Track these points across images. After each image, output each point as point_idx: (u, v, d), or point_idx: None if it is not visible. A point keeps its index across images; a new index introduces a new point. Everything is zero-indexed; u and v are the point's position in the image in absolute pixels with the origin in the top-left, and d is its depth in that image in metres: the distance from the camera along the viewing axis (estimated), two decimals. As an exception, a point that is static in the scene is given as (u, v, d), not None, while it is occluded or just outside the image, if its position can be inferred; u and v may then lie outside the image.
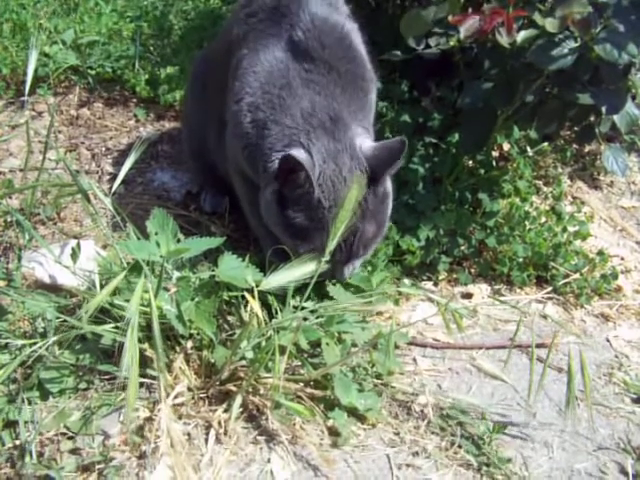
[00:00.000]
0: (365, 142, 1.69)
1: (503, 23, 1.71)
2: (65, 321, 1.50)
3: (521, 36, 1.73)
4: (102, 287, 1.53)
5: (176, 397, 1.51)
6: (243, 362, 1.56)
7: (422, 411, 1.63)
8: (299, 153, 1.62)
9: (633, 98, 1.91)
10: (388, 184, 1.73)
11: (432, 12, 1.87)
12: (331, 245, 1.50)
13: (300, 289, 1.61)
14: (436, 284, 2.04)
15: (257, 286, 1.51)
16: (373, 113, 1.85)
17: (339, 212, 1.50)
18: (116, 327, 1.49)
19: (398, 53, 2.02)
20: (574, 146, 2.54)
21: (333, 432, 1.54)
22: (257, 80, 1.72)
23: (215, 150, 2.00)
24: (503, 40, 1.72)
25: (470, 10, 1.82)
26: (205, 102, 2.05)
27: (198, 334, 1.59)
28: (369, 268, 1.86)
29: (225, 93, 1.85)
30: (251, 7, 1.85)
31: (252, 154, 1.73)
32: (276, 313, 1.64)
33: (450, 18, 1.79)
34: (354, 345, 1.66)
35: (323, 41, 1.72)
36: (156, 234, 1.56)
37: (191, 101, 2.18)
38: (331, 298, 1.70)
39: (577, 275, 2.06)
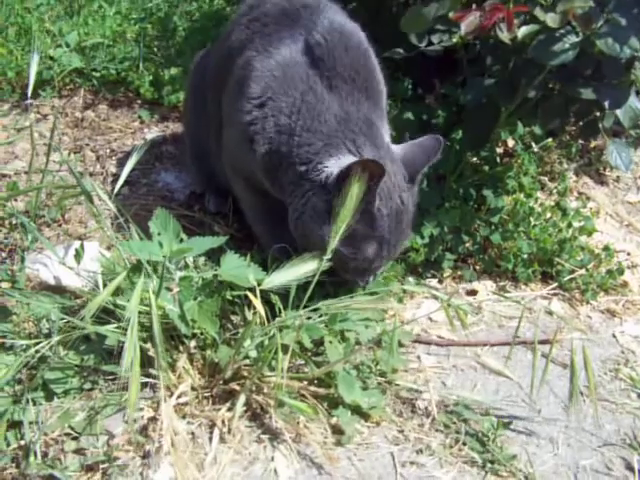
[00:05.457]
0: (392, 146, 1.70)
1: (504, 19, 1.70)
2: (69, 322, 1.51)
3: (522, 32, 1.72)
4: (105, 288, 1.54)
5: (180, 396, 1.51)
6: (246, 361, 1.56)
7: (426, 408, 1.63)
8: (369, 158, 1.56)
9: (636, 93, 1.90)
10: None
11: (434, 9, 1.86)
12: (332, 244, 1.49)
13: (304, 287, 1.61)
14: (441, 281, 2.03)
15: (260, 285, 1.51)
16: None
17: (341, 211, 1.47)
18: (119, 327, 1.49)
19: (401, 51, 2.02)
20: (579, 141, 2.52)
21: (337, 430, 1.54)
22: (278, 84, 1.67)
23: (215, 156, 1.99)
24: (504, 36, 1.72)
25: (474, 7, 1.81)
26: (204, 110, 2.03)
27: (201, 334, 1.59)
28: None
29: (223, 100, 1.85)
30: (252, 14, 1.84)
31: (273, 161, 1.68)
32: (279, 312, 1.64)
33: (451, 15, 1.78)
34: (358, 343, 1.66)
35: (344, 45, 1.69)
36: (159, 234, 1.56)
37: (191, 108, 2.17)
38: (333, 297, 1.69)
39: (583, 271, 2.05)
